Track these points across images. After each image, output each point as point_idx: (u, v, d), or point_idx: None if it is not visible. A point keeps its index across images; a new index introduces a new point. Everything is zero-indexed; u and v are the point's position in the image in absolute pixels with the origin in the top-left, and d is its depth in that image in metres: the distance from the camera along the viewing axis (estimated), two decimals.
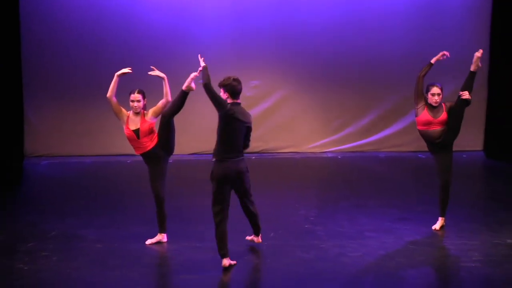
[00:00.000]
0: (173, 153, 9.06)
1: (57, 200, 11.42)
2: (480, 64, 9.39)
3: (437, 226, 9.54)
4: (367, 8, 14.93)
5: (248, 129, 8.19)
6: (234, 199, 8.40)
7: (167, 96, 8.79)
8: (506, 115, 14.66)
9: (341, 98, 15.18)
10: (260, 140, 14.42)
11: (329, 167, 14.27)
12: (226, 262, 8.15)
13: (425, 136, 9.41)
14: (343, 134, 15.30)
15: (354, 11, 14.92)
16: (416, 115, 9.40)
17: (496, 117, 14.83)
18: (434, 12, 14.92)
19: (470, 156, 14.67)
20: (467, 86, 9.29)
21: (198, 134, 14.72)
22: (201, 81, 8.18)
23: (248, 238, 8.93)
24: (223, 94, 8.15)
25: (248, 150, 8.50)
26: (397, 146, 15.24)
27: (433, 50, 10.39)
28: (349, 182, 12.68)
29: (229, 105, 8.06)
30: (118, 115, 8.94)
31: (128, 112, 8.92)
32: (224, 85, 8.14)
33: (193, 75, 8.59)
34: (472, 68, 9.34)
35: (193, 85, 8.64)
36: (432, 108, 9.31)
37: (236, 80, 8.15)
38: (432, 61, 9.35)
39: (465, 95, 9.20)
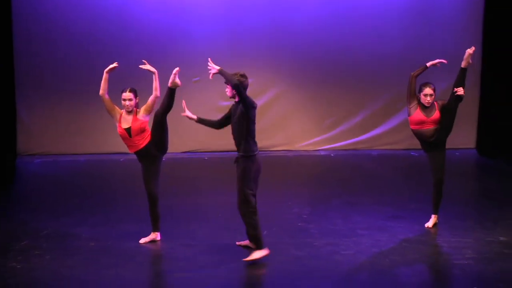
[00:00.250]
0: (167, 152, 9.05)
1: (50, 198, 11.41)
2: (471, 61, 9.38)
3: (430, 223, 9.56)
4: (360, 7, 14.96)
5: None
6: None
7: (156, 91, 8.75)
8: (499, 113, 14.69)
9: (334, 96, 15.20)
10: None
11: (322, 165, 14.28)
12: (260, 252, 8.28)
13: (418, 135, 9.42)
14: (336, 132, 15.32)
15: (347, 10, 14.95)
16: (409, 115, 9.41)
17: (488, 115, 14.86)
18: (426, 10, 14.95)
19: (463, 154, 14.70)
20: (460, 83, 9.29)
21: (191, 132, 14.71)
22: (225, 83, 8.22)
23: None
24: (231, 90, 8.22)
25: None
26: (389, 144, 15.26)
27: (425, 48, 10.47)
28: (342, 180, 12.70)
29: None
30: (111, 112, 8.92)
31: (122, 110, 8.91)
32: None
33: (175, 70, 8.56)
34: (463, 65, 9.34)
35: (177, 80, 8.60)
36: (424, 107, 9.32)
37: (244, 76, 8.25)
38: (428, 64, 9.37)
39: (460, 91, 9.20)
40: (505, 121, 14.65)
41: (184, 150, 14.87)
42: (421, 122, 9.31)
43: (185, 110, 8.71)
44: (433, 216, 9.60)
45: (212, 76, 8.27)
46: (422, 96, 9.30)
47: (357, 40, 14.98)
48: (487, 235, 9.17)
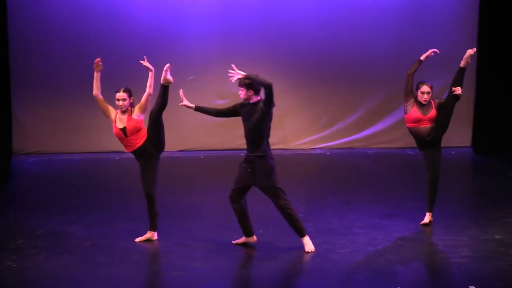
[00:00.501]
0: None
1: (45, 197, 11.40)
2: (469, 61, 9.39)
3: (425, 221, 9.55)
4: (355, 6, 14.95)
5: None
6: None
7: (150, 88, 8.71)
8: (494, 111, 14.72)
9: (329, 95, 15.20)
10: None
11: (318, 163, 14.29)
12: (309, 239, 8.56)
13: (414, 133, 9.42)
14: (332, 130, 15.32)
15: (342, 9, 14.94)
16: (406, 113, 9.40)
17: (484, 114, 14.88)
18: (422, 8, 14.95)
19: (459, 152, 14.71)
20: (458, 82, 9.29)
21: (187, 131, 14.72)
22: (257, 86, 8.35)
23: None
24: (247, 92, 8.33)
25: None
26: (385, 143, 15.26)
27: (421, 46, 10.48)
28: (337, 179, 12.70)
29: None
30: (105, 112, 8.91)
31: (117, 110, 8.89)
32: (247, 84, 8.31)
33: (166, 67, 8.56)
34: (462, 64, 9.35)
35: (169, 77, 8.58)
36: (421, 105, 9.32)
37: (257, 76, 8.31)
38: (422, 58, 9.36)
39: (458, 90, 9.20)
40: (501, 120, 14.68)
41: (180, 149, 14.86)
42: (418, 120, 9.31)
43: (183, 100, 8.71)
44: (427, 214, 9.60)
45: (235, 80, 8.30)
46: (419, 94, 9.30)
47: (352, 39, 14.97)
48: (482, 234, 9.18)
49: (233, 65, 8.34)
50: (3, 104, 14.39)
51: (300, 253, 8.48)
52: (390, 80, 14.81)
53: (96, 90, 8.91)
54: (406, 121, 9.46)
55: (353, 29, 14.95)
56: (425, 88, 9.29)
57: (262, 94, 8.40)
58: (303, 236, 8.58)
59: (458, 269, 7.96)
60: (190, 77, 14.78)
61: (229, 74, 8.29)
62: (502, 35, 14.51)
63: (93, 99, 8.96)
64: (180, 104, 8.74)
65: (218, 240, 8.97)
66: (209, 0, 14.90)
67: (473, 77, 14.93)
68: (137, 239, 8.98)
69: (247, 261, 8.27)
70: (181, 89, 8.80)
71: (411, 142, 10.01)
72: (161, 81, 8.60)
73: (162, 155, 8.99)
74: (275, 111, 15.00)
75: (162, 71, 8.59)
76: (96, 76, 8.93)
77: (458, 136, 14.82)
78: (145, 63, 8.80)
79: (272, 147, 15.04)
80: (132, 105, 8.84)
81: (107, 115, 8.90)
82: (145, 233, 9.02)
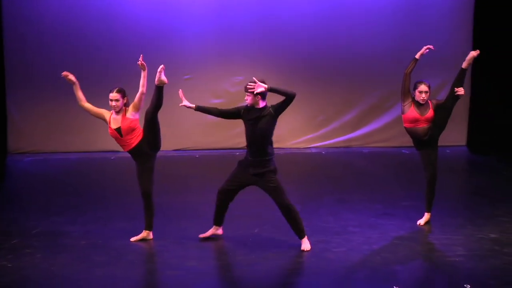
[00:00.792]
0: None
1: (41, 197, 11.39)
2: (471, 63, 9.41)
3: (422, 221, 9.56)
4: (351, 5, 14.96)
5: None
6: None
7: (143, 87, 8.67)
8: (489, 110, 14.74)
9: (325, 94, 15.20)
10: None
11: (313, 163, 14.29)
12: (307, 241, 8.64)
13: (411, 133, 9.41)
14: (327, 129, 15.32)
15: (338, 7, 14.95)
16: (403, 112, 9.38)
17: (479, 113, 14.90)
18: (417, 7, 14.97)
19: (454, 151, 14.72)
20: (459, 82, 9.30)
21: (182, 130, 14.71)
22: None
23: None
24: (254, 98, 8.43)
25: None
26: (381, 142, 15.27)
27: (417, 45, 10.41)
28: (333, 178, 12.71)
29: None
30: (99, 117, 8.93)
31: (111, 111, 8.88)
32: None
33: (160, 68, 8.55)
34: (464, 65, 9.35)
35: (163, 78, 8.57)
36: (419, 105, 9.31)
37: (264, 82, 8.45)
38: (417, 56, 9.35)
39: (461, 91, 9.23)
40: (496, 119, 14.70)
41: (175, 148, 14.85)
42: (415, 120, 9.30)
43: (183, 100, 8.71)
44: (426, 214, 9.60)
45: (256, 94, 8.44)
46: (417, 93, 9.30)
47: (348, 38, 14.98)
48: (478, 232, 9.19)
49: (254, 78, 8.45)
50: None
51: (296, 253, 8.49)
52: (386, 79, 14.83)
53: (80, 101, 8.98)
54: (403, 121, 9.45)
55: (349, 28, 14.96)
56: (423, 87, 9.28)
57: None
58: (302, 237, 8.61)
59: (453, 268, 7.97)
60: (186, 76, 14.77)
61: (249, 86, 8.40)
62: (497, 35, 14.54)
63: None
64: (180, 105, 8.73)
65: (214, 239, 8.96)
66: (206, 0, 14.89)
67: (468, 76, 14.92)
68: (133, 238, 8.97)
69: (243, 260, 8.27)
70: (180, 90, 8.79)
71: (407, 141, 10.02)
72: (156, 82, 8.59)
73: (158, 154, 8.98)
74: None
75: (157, 71, 8.56)
76: (74, 88, 8.94)
77: (454, 135, 14.83)
78: (141, 62, 8.73)
79: None
80: (126, 105, 8.83)
81: (102, 119, 8.91)
82: (141, 232, 9.02)
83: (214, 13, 14.88)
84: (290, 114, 15.15)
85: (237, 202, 9.74)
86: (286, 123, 15.21)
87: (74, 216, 10.12)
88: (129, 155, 8.97)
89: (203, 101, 13.55)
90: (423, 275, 8.05)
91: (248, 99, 8.45)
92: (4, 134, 14.56)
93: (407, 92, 9.34)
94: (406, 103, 9.35)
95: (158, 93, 8.63)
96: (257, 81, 8.37)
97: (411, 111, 9.30)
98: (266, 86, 8.33)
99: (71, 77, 8.98)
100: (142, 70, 8.70)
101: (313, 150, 15.14)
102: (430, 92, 9.37)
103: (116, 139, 8.85)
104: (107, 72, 14.47)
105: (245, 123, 8.54)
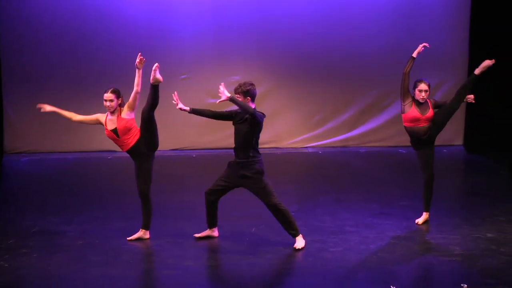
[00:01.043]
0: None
1: (37, 197, 11.37)
2: (484, 71, 9.46)
3: (420, 220, 9.54)
4: (348, 4, 14.94)
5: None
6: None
7: (138, 86, 8.64)
8: (486, 110, 14.73)
9: (322, 94, 15.19)
10: None
11: (310, 162, 14.29)
12: (302, 239, 8.64)
13: (411, 133, 9.38)
14: (324, 129, 15.31)
15: (334, 6, 14.93)
16: (403, 112, 9.36)
17: (476, 112, 14.88)
18: (414, 7, 14.96)
19: (451, 150, 14.72)
20: (469, 89, 9.38)
21: (178, 130, 14.70)
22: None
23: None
24: (243, 99, 8.45)
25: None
26: (377, 141, 15.26)
27: (413, 45, 10.41)
28: (329, 177, 12.70)
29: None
30: (96, 123, 8.97)
31: (105, 113, 8.87)
32: (244, 91, 8.46)
33: (154, 66, 8.54)
34: (477, 72, 9.41)
35: (158, 76, 8.55)
36: (419, 104, 9.31)
37: (253, 85, 8.55)
38: (414, 55, 9.34)
39: (471, 99, 9.33)
40: (493, 118, 14.69)
41: (172, 148, 14.84)
42: (416, 120, 9.29)
43: (178, 103, 8.69)
44: (424, 213, 9.60)
45: (219, 102, 8.49)
46: (416, 92, 9.29)
47: (344, 37, 14.97)
48: (474, 232, 9.19)
49: (222, 84, 8.46)
50: None
51: (292, 252, 8.48)
52: (382, 79, 14.82)
53: (71, 120, 9.09)
54: (403, 121, 9.43)
55: (345, 28, 14.95)
56: (422, 86, 9.28)
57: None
58: (295, 236, 8.61)
59: (450, 267, 7.97)
60: (183, 76, 14.77)
61: (219, 94, 8.43)
62: (494, 34, 14.53)
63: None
64: (176, 108, 8.71)
65: (210, 239, 8.96)
66: None
67: (465, 75, 14.91)
68: (129, 238, 8.97)
69: (239, 260, 8.26)
70: (175, 92, 8.76)
71: (403, 140, 10.03)
72: (151, 81, 8.58)
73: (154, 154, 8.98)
74: (268, 109, 15.06)
75: (152, 71, 8.55)
76: (58, 114, 9.01)
77: (450, 134, 14.83)
78: (141, 57, 8.67)
79: (264, 146, 15.11)
80: (121, 105, 8.81)
81: (99, 124, 8.92)
82: (138, 231, 9.02)
83: (210, 13, 14.86)
84: (287, 113, 15.24)
85: (234, 201, 9.77)
86: (283, 123, 15.23)
87: (70, 216, 10.11)
88: (127, 154, 8.97)
89: (199, 101, 13.61)
90: (420, 274, 8.05)
91: (240, 98, 8.46)
92: (1, 134, 14.53)
93: (407, 92, 9.33)
94: (406, 102, 9.32)
95: (154, 92, 8.61)
96: (223, 88, 8.41)
97: (412, 111, 9.28)
98: (228, 95, 8.37)
99: (47, 108, 9.05)
100: (137, 69, 8.67)
101: (310, 150, 15.13)
102: (430, 91, 9.37)
103: (114, 140, 8.84)
104: (105, 72, 14.44)
105: (233, 125, 8.57)
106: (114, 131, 8.75)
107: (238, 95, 8.45)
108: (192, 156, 14.69)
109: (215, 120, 8.89)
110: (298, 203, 10.65)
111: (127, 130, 8.73)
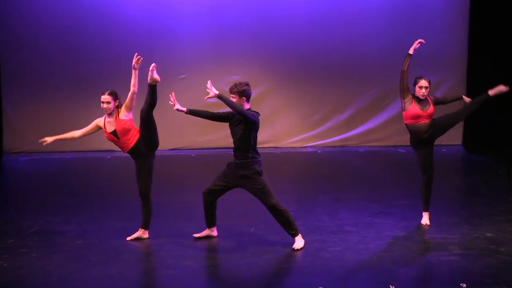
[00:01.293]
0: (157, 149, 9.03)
1: (36, 196, 11.37)
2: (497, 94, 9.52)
3: (426, 221, 9.51)
4: (346, 4, 14.96)
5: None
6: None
7: (134, 87, 8.64)
8: (485, 109, 14.67)
9: (321, 93, 15.20)
10: None
11: (309, 162, 14.30)
12: (301, 239, 8.63)
13: (413, 130, 9.36)
14: (323, 129, 15.32)
15: (333, 7, 14.95)
16: (404, 109, 9.36)
17: (475, 112, 14.86)
18: (413, 7, 14.97)
19: (450, 150, 14.72)
20: (479, 105, 9.60)
21: (177, 129, 14.70)
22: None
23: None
24: (239, 100, 8.45)
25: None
26: (377, 141, 15.27)
27: (412, 44, 10.42)
28: (329, 177, 12.71)
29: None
30: (97, 129, 8.99)
31: (103, 116, 8.87)
32: (239, 92, 8.44)
33: (151, 66, 8.54)
34: (491, 93, 9.49)
35: (156, 76, 8.55)
36: (419, 101, 9.31)
37: (248, 85, 8.50)
38: (410, 51, 9.34)
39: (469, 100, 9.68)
40: (491, 118, 14.69)
41: (171, 148, 14.84)
42: (417, 116, 9.28)
43: (175, 104, 8.68)
44: (425, 213, 9.58)
45: (207, 99, 8.58)
46: (417, 89, 9.29)
47: (343, 37, 14.98)
48: (473, 231, 9.19)
49: (209, 81, 8.49)
50: None
51: (292, 252, 8.49)
52: (381, 79, 14.84)
53: (73, 138, 9.23)
54: (404, 118, 9.42)
55: (344, 27, 14.96)
56: (423, 82, 9.28)
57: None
58: (295, 236, 8.61)
59: (449, 267, 7.97)
60: (181, 76, 14.77)
61: (207, 90, 8.48)
62: (493, 34, 14.54)
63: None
64: (174, 109, 8.70)
65: (210, 239, 8.96)
66: None
67: (464, 75, 14.97)
68: (129, 238, 8.97)
69: (238, 259, 8.26)
70: (172, 92, 8.75)
71: (403, 140, 10.03)
72: (148, 81, 8.57)
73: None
74: (267, 109, 15.09)
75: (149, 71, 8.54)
76: (60, 138, 9.17)
77: (449, 134, 14.73)
78: (138, 57, 8.67)
79: (263, 145, 15.12)
80: (118, 107, 8.80)
81: (99, 129, 8.92)
82: (137, 231, 9.02)
83: (209, 12, 14.87)
84: (286, 113, 15.25)
85: (233, 201, 9.78)
86: (282, 122, 15.24)
87: (69, 215, 10.11)
88: (126, 154, 8.97)
89: (198, 100, 13.57)
90: (419, 274, 8.04)
91: (234, 99, 8.46)
92: (0, 134, 14.53)
93: (407, 89, 9.32)
94: (406, 100, 9.32)
95: (152, 92, 8.62)
96: (211, 85, 8.44)
97: (413, 107, 9.28)
98: (216, 92, 8.43)
99: (48, 140, 9.08)
100: (133, 70, 8.66)
101: (309, 150, 15.14)
102: (430, 88, 9.38)
103: (114, 142, 8.84)
104: (104, 72, 14.44)
105: (230, 127, 8.58)
106: (114, 133, 8.75)
107: (233, 95, 8.44)
108: (191, 155, 14.70)
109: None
110: (298, 203, 10.66)
111: (126, 131, 8.73)
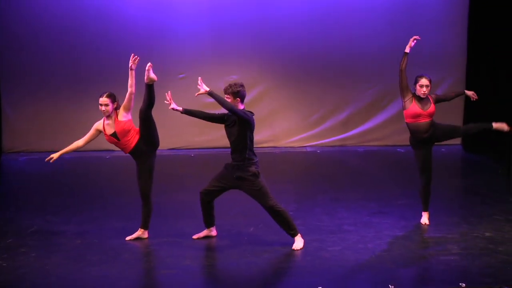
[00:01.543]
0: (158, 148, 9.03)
1: (36, 196, 11.38)
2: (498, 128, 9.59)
3: (426, 221, 9.52)
4: (345, 3, 14.95)
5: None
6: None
7: (132, 87, 8.65)
8: (484, 109, 14.72)
9: (320, 93, 15.20)
10: None
11: (308, 161, 14.30)
12: (301, 238, 8.63)
13: (413, 129, 9.34)
14: (322, 128, 15.32)
15: (332, 6, 14.94)
16: (404, 108, 9.35)
17: (474, 111, 14.88)
18: (412, 6, 14.97)
19: (449, 150, 14.72)
20: (479, 130, 9.68)
21: (176, 129, 14.69)
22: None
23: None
24: (233, 100, 8.45)
25: (226, 145, 8.62)
26: (376, 140, 15.27)
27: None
28: (328, 176, 12.71)
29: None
30: (98, 134, 8.99)
31: (101, 119, 8.88)
32: (234, 92, 8.46)
33: (148, 66, 8.55)
34: (494, 126, 9.61)
35: (152, 75, 8.56)
36: (420, 99, 9.30)
37: (242, 86, 8.55)
38: (407, 50, 9.35)
39: (473, 96, 9.73)
40: (491, 118, 14.66)
41: (170, 147, 14.85)
42: (417, 115, 9.27)
43: (171, 103, 8.68)
44: (424, 213, 9.59)
45: (197, 95, 8.62)
46: (417, 87, 9.28)
47: (343, 36, 14.98)
48: (472, 231, 9.20)
49: (200, 78, 8.54)
50: None
51: (291, 252, 8.49)
52: (381, 78, 14.84)
53: (78, 148, 9.21)
54: (405, 117, 9.40)
55: (343, 27, 14.96)
56: (424, 81, 9.27)
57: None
58: (294, 236, 8.62)
59: (448, 266, 7.98)
60: (180, 75, 14.78)
61: (198, 87, 8.53)
62: (492, 33, 14.55)
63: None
64: (169, 108, 8.71)
65: (208, 239, 8.97)
66: None
67: (463, 75, 14.97)
68: (128, 238, 8.98)
69: (238, 259, 8.27)
70: (169, 91, 8.75)
71: (402, 139, 10.04)
72: (145, 80, 8.58)
73: None
74: (266, 109, 15.10)
75: (153, 70, 8.55)
76: (65, 151, 9.18)
77: None
78: (135, 57, 8.68)
79: (262, 145, 15.13)
80: (117, 108, 8.80)
81: (100, 132, 8.93)
82: (137, 231, 9.03)
83: (208, 12, 14.87)
84: (285, 113, 15.26)
85: (232, 201, 9.79)
86: (281, 122, 15.24)
87: (69, 215, 10.12)
88: (127, 155, 8.98)
89: (197, 100, 13.58)
90: (418, 273, 8.06)
91: (229, 99, 8.46)
92: None
93: (406, 88, 9.31)
94: (407, 98, 9.31)
95: (149, 91, 8.63)
96: (201, 82, 8.49)
97: (413, 106, 9.27)
98: (207, 89, 8.46)
99: (55, 156, 9.11)
100: (130, 70, 8.67)
101: (308, 149, 15.15)
102: (431, 86, 9.37)
103: (115, 144, 8.85)
104: (104, 72, 14.43)
105: (225, 128, 8.58)
106: (114, 135, 8.76)
107: (227, 96, 8.43)
108: (191, 155, 14.70)
109: None
110: (297, 203, 10.67)
111: (126, 132, 8.73)
